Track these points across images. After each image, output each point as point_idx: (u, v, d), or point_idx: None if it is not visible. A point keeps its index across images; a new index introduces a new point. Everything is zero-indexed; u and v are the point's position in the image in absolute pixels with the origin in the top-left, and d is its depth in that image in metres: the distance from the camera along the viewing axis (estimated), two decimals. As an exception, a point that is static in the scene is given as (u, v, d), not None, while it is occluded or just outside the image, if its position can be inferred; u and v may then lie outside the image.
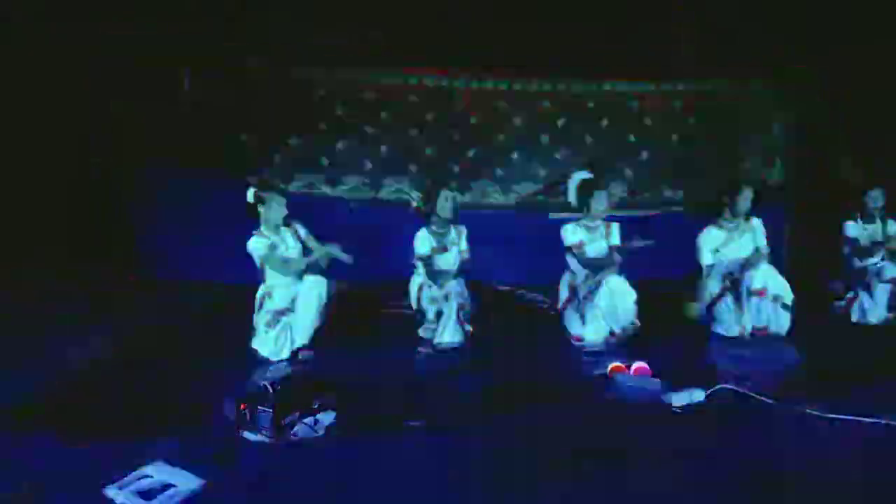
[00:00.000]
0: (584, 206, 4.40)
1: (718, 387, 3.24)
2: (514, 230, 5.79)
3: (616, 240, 4.42)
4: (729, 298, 4.32)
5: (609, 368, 3.43)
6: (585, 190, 4.39)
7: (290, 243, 4.13)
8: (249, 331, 4.15)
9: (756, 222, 4.44)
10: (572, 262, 4.41)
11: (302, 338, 3.97)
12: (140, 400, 3.28)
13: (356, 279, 5.64)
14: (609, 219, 4.46)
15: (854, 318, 4.61)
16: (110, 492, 2.32)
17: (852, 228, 4.79)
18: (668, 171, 6.19)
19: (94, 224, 5.80)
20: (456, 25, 5.60)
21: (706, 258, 4.42)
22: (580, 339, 4.23)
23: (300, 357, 3.95)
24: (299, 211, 4.30)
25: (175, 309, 4.97)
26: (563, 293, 4.42)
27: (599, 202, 4.34)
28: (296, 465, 2.58)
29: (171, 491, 2.31)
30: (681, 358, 3.87)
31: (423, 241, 4.41)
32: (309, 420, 2.90)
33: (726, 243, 4.41)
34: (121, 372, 3.70)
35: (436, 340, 4.19)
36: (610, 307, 4.19)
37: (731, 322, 4.27)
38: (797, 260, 5.61)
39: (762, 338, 4.20)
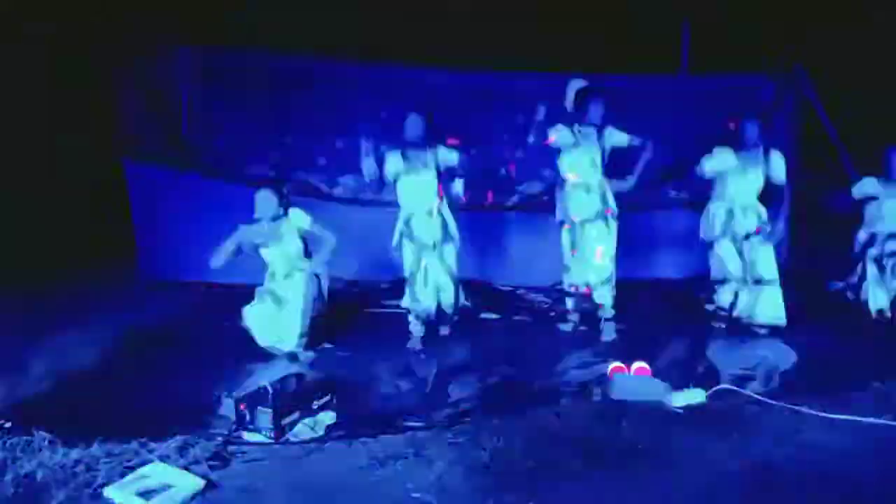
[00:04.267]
0: (580, 113, 4.22)
1: (718, 387, 3.25)
2: (515, 230, 5.78)
3: (617, 141, 4.22)
4: (727, 241, 4.31)
5: (609, 369, 3.43)
6: (582, 97, 4.23)
7: (285, 236, 4.00)
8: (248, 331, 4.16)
9: (775, 155, 4.31)
10: (560, 171, 4.31)
11: (291, 334, 3.92)
12: (140, 400, 3.29)
13: (355, 279, 5.69)
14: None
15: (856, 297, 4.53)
16: (110, 492, 2.32)
17: (870, 185, 4.49)
18: (672, 169, 6.13)
19: (95, 223, 5.80)
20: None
21: (705, 169, 4.31)
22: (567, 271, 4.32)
23: (301, 358, 3.93)
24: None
25: (175, 309, 4.96)
26: (560, 215, 4.37)
27: (596, 110, 4.18)
28: (296, 465, 2.59)
29: (171, 491, 2.32)
30: (681, 358, 3.87)
31: (390, 162, 4.15)
32: (309, 420, 2.90)
33: (735, 170, 4.28)
34: (121, 372, 3.70)
35: (405, 303, 4.20)
36: (588, 256, 4.21)
37: (734, 267, 4.29)
38: (798, 254, 5.58)
39: (762, 338, 4.19)
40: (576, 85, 4.30)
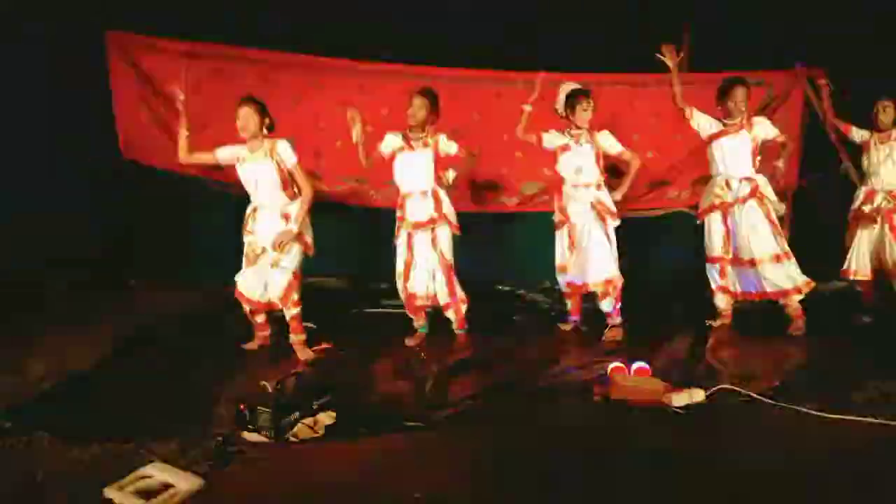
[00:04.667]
0: (569, 114, 4.28)
1: (718, 387, 3.25)
2: (515, 230, 5.79)
3: (606, 147, 4.30)
4: (717, 216, 4.33)
5: (609, 369, 3.43)
6: (572, 99, 4.27)
7: (263, 160, 3.86)
8: (248, 331, 4.17)
9: (758, 120, 4.36)
10: (561, 171, 4.36)
11: (277, 285, 3.92)
12: (140, 400, 3.29)
13: (355, 278, 5.70)
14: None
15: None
16: (110, 492, 2.32)
17: (862, 134, 4.61)
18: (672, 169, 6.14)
19: (95, 223, 5.79)
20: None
21: (701, 124, 4.33)
22: (563, 272, 4.36)
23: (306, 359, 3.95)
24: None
25: (174, 309, 4.96)
26: (557, 215, 4.42)
27: (584, 113, 4.22)
28: (296, 465, 2.59)
29: (171, 491, 2.32)
30: (681, 358, 3.87)
31: (388, 140, 4.21)
32: (309, 420, 2.90)
33: (720, 138, 4.30)
34: (120, 372, 3.70)
35: (401, 283, 4.23)
36: (585, 257, 4.28)
37: (717, 247, 4.35)
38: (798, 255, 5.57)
39: (762, 338, 4.19)
40: (566, 88, 4.35)
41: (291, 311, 3.97)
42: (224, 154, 3.94)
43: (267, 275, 3.94)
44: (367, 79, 5.48)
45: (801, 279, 4.25)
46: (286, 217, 3.90)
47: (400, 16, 5.70)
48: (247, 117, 3.81)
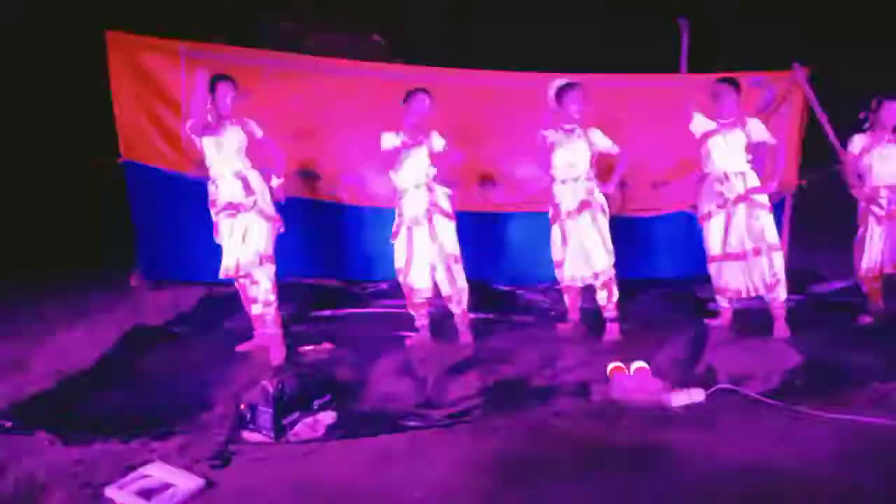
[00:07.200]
0: (561, 108, 4.30)
1: (718, 387, 3.25)
2: (514, 230, 5.79)
3: (598, 143, 4.35)
4: (716, 215, 4.32)
5: (609, 369, 3.43)
6: (563, 91, 4.29)
7: (230, 139, 3.97)
8: (248, 331, 4.17)
9: (752, 121, 4.34)
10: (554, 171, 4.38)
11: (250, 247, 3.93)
12: (141, 400, 3.29)
13: (357, 277, 5.69)
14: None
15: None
16: (110, 492, 2.32)
17: (859, 141, 4.53)
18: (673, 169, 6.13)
19: (95, 223, 5.80)
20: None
21: (697, 124, 4.33)
22: (560, 266, 4.38)
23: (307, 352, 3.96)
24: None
25: (175, 309, 4.96)
26: (551, 211, 4.42)
27: (575, 106, 4.25)
28: (296, 465, 2.59)
29: (171, 491, 2.32)
30: (681, 358, 3.87)
31: (387, 139, 4.23)
32: (309, 420, 2.90)
33: (714, 136, 4.30)
34: (121, 372, 3.70)
35: (402, 278, 4.24)
36: (581, 250, 4.29)
37: (716, 245, 4.33)
38: (797, 255, 5.58)
39: (762, 337, 4.18)
40: (556, 84, 4.36)
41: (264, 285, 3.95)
42: (196, 131, 3.99)
43: (242, 235, 3.95)
44: (367, 79, 5.49)
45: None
46: (242, 179, 3.96)
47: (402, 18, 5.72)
48: (226, 93, 3.91)
